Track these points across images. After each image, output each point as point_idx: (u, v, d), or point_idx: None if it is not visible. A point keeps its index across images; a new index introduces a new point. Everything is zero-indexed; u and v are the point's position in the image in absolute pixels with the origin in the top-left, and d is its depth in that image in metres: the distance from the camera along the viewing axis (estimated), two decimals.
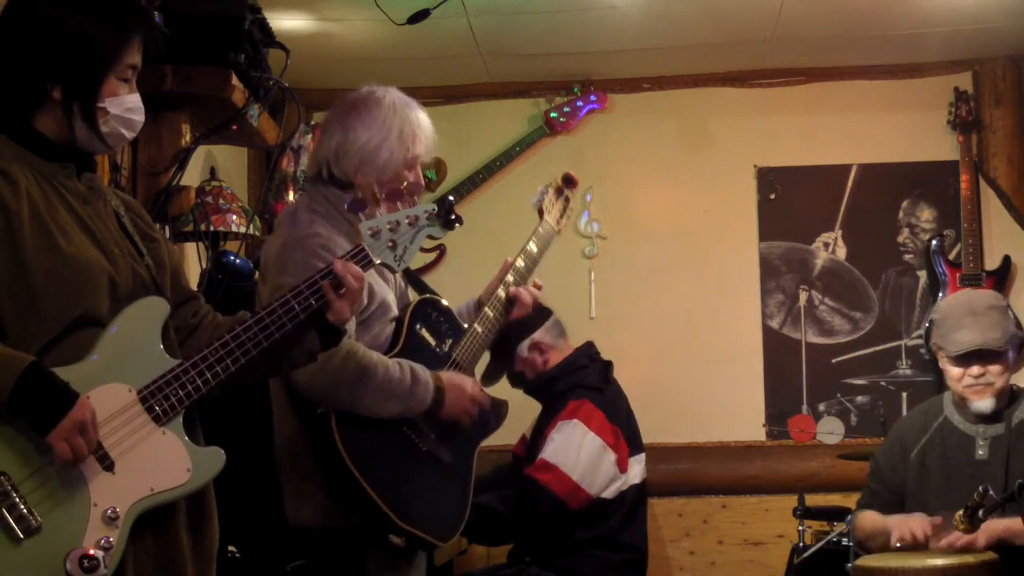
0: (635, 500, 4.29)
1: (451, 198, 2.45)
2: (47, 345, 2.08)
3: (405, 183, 2.87)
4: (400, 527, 2.76)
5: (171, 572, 2.18)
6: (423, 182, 3.06)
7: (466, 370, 3.03)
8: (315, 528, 2.81)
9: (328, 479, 2.77)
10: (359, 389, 2.74)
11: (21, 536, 1.97)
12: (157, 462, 2.12)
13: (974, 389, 3.55)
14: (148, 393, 2.13)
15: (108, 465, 2.08)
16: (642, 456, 4.36)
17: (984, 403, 3.55)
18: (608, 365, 4.45)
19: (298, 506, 2.82)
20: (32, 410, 2.00)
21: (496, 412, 3.12)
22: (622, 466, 4.24)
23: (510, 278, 3.20)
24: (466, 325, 3.13)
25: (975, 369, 3.53)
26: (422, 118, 3.02)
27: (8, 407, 1.99)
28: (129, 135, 2.28)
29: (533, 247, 3.29)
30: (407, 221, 2.41)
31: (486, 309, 3.14)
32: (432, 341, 3.00)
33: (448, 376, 2.90)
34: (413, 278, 3.21)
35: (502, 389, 4.39)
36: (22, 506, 1.98)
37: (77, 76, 2.18)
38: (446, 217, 2.43)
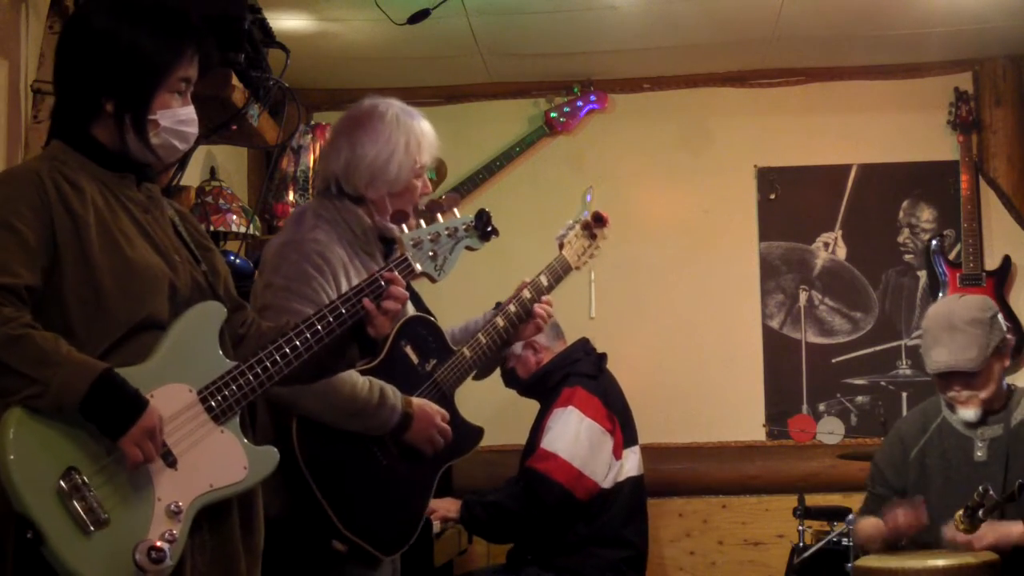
0: (635, 495, 4.28)
1: (488, 211, 2.53)
2: (111, 346, 2.16)
3: (419, 196, 2.98)
4: (344, 534, 2.78)
5: (226, 567, 2.27)
6: (430, 188, 3.09)
7: (447, 392, 3.04)
8: (281, 518, 2.81)
9: (285, 476, 2.77)
10: (323, 402, 2.76)
11: (91, 528, 2.05)
12: (216, 459, 2.21)
13: (958, 400, 3.56)
14: (208, 393, 2.21)
15: (171, 462, 2.16)
16: (637, 448, 4.34)
17: (968, 412, 3.55)
18: (602, 356, 4.44)
19: (268, 497, 2.84)
20: (104, 416, 2.07)
21: (470, 436, 3.11)
22: (617, 453, 4.23)
23: (512, 308, 3.19)
24: (456, 348, 3.12)
25: (955, 386, 3.53)
26: (424, 126, 3.04)
27: (80, 410, 2.06)
28: (182, 147, 2.34)
29: (544, 280, 3.26)
30: (446, 233, 2.50)
31: (479, 335, 3.14)
32: (415, 359, 3.01)
33: (419, 404, 2.91)
34: (413, 295, 3.19)
35: (493, 387, 4.38)
36: (92, 500, 2.06)
37: (128, 89, 2.24)
38: (483, 229, 2.54)
